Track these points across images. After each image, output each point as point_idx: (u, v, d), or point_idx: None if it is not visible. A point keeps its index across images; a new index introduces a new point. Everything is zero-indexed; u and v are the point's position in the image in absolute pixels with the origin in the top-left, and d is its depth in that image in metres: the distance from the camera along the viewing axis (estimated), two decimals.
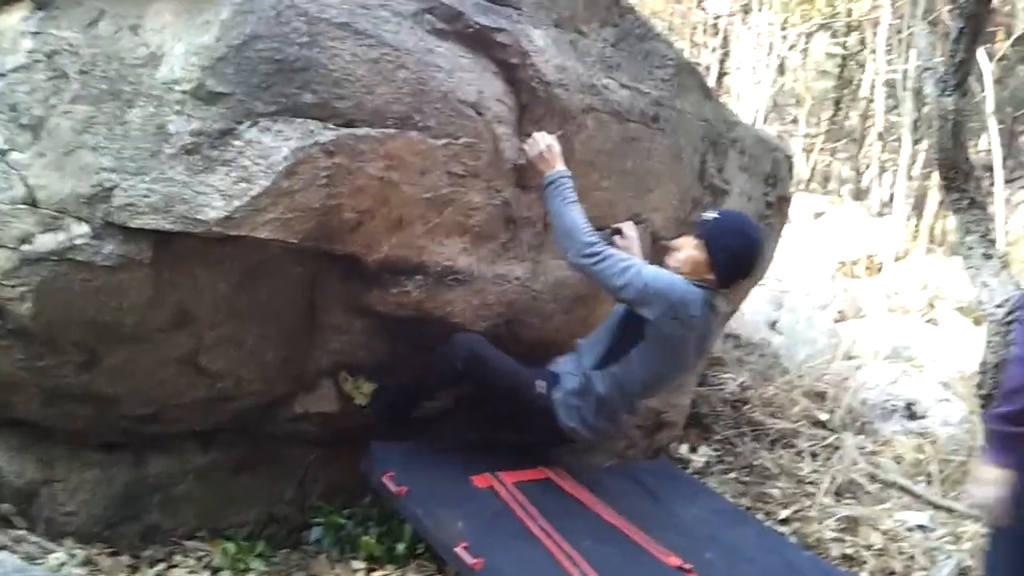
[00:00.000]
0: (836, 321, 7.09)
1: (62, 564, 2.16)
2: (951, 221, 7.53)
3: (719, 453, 4.15)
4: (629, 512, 2.59)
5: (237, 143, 1.96)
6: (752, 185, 3.67)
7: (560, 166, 2.42)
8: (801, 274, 8.67)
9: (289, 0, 1.98)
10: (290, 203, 2.04)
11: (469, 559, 2.12)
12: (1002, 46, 10.72)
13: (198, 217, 1.97)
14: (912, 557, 3.22)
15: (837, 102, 17.07)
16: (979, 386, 3.48)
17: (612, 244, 2.56)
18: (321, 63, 2.01)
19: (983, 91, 9.78)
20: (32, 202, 2.00)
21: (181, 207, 1.96)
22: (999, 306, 3.34)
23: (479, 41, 2.39)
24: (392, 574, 2.43)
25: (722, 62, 15.48)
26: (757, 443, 4.27)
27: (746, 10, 14.58)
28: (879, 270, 9.51)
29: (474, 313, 2.62)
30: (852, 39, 16.23)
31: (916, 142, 11.09)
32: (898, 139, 11.92)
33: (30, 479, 2.39)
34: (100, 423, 2.39)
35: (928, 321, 7.53)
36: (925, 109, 10.25)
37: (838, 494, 3.79)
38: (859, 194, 14.32)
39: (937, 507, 3.75)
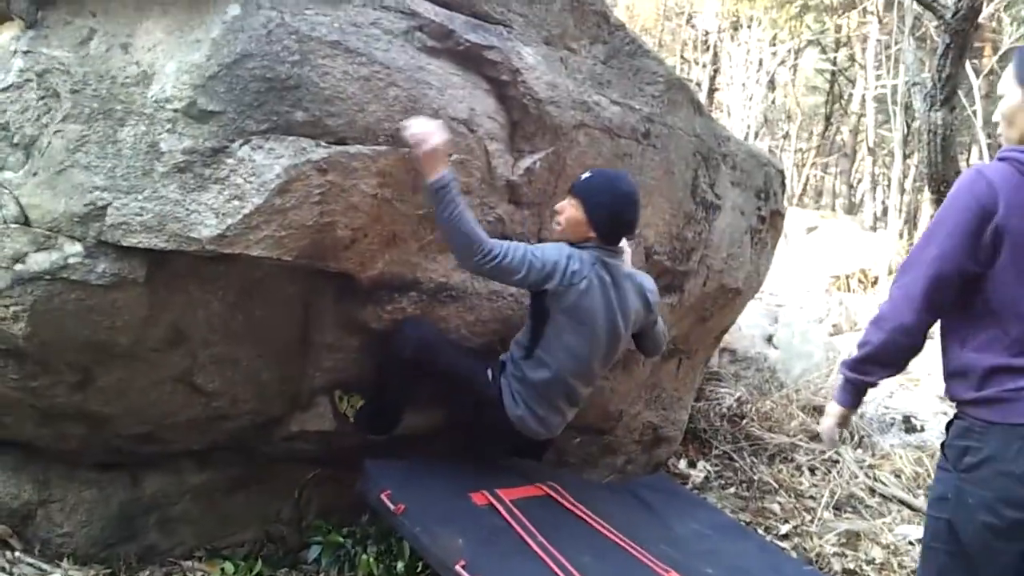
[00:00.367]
0: (831, 335, 7.11)
1: None
2: None
3: (718, 468, 4.15)
4: (628, 528, 2.58)
5: (229, 161, 1.97)
6: (744, 199, 3.68)
7: (445, 169, 2.22)
8: (796, 288, 8.71)
9: (280, 18, 1.99)
10: (283, 221, 2.04)
11: None
12: (989, 61, 10.85)
13: (191, 235, 1.97)
14: (913, 571, 3.20)
15: (828, 117, 17.24)
16: None
17: None
18: (312, 81, 2.02)
19: (972, 106, 9.88)
20: (25, 221, 1.99)
21: (174, 225, 1.96)
22: None
23: (470, 59, 2.40)
24: None
25: (712, 78, 15.63)
26: (756, 458, 4.26)
27: (735, 27, 14.76)
28: (873, 283, 9.55)
29: (469, 329, 2.63)
30: (841, 55, 16.42)
31: (907, 156, 11.20)
32: (890, 153, 12.03)
33: (26, 500, 2.38)
34: (95, 443, 2.37)
35: None
36: (915, 124, 10.35)
37: (838, 508, 3.78)
38: (852, 208, 14.41)
39: None
